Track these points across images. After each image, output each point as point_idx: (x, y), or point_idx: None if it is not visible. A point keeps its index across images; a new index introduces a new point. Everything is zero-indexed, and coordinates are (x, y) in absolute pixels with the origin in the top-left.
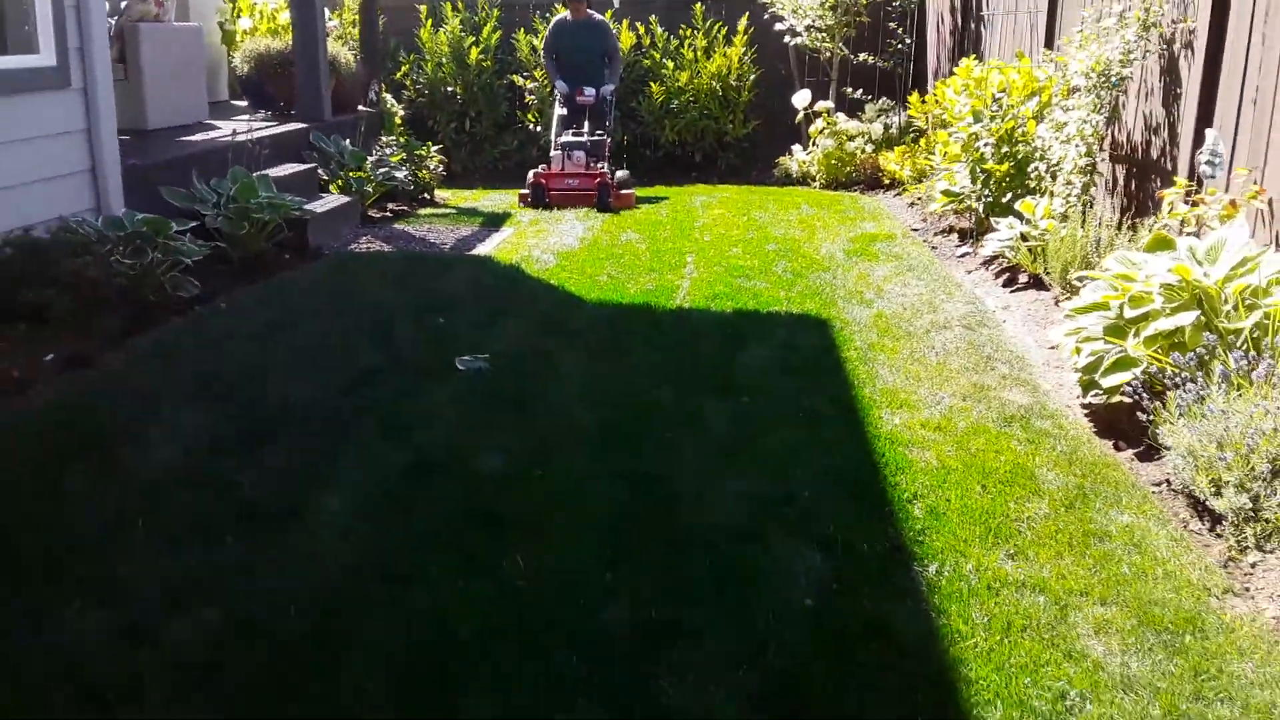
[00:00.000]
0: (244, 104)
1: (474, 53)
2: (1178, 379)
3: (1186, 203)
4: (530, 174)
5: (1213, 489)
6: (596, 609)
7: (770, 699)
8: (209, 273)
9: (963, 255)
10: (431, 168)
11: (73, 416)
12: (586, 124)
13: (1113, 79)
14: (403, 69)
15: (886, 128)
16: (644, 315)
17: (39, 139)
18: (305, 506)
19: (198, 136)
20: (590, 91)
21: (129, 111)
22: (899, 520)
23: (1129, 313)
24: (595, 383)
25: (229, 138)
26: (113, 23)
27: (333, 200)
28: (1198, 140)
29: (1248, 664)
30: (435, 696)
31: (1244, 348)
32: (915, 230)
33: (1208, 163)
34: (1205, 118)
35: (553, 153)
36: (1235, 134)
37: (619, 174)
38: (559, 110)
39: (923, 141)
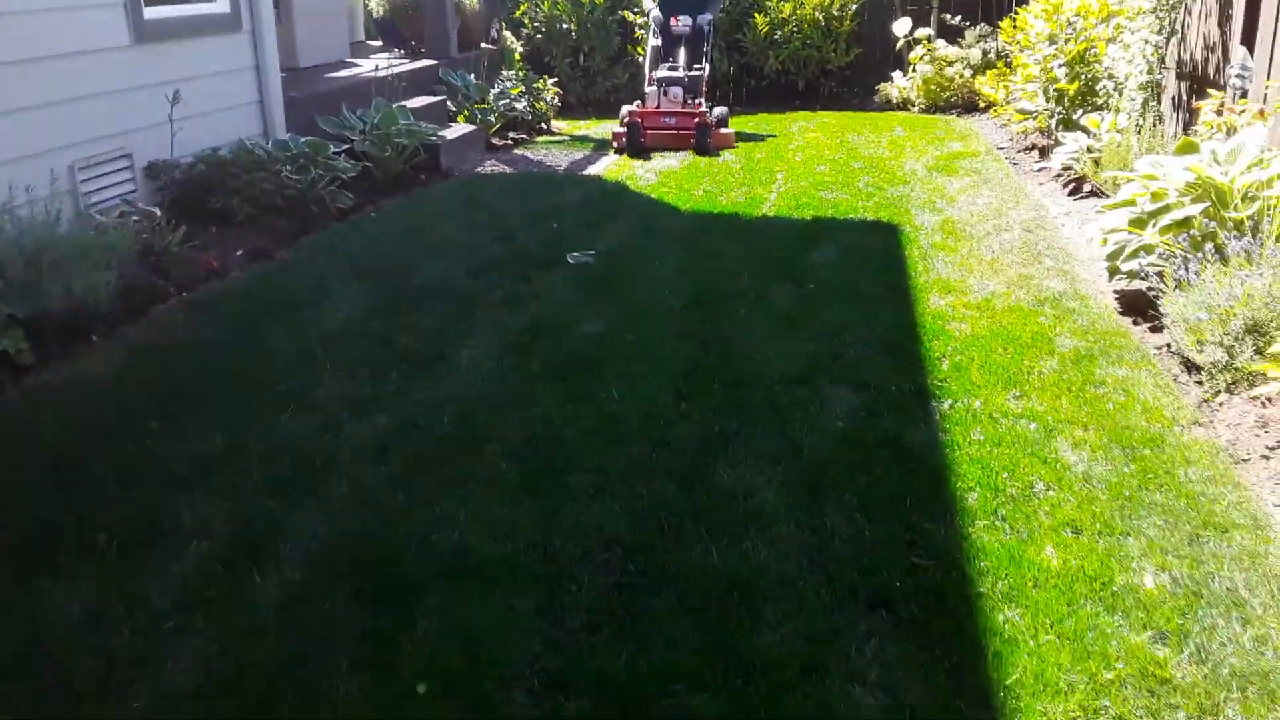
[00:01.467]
0: (378, 44)
1: None
2: (1177, 257)
3: (1218, 113)
4: (624, 111)
5: (1197, 347)
6: (671, 424)
7: (798, 483)
8: (358, 189)
9: (1040, 170)
10: (548, 99)
11: (263, 291)
12: (683, 55)
13: (1170, 1)
14: (521, 7)
15: (985, 53)
16: (731, 221)
17: (220, 74)
18: (447, 353)
19: (342, 73)
20: (686, 20)
21: (283, 51)
22: (927, 372)
23: (1149, 206)
24: (682, 273)
25: (369, 73)
26: None
27: (460, 129)
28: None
29: (1191, 469)
30: (549, 472)
31: (1241, 232)
32: (1000, 149)
33: (1238, 76)
34: (1250, 35)
35: (647, 88)
36: (1272, 51)
37: (717, 110)
38: (653, 41)
39: (1013, 64)
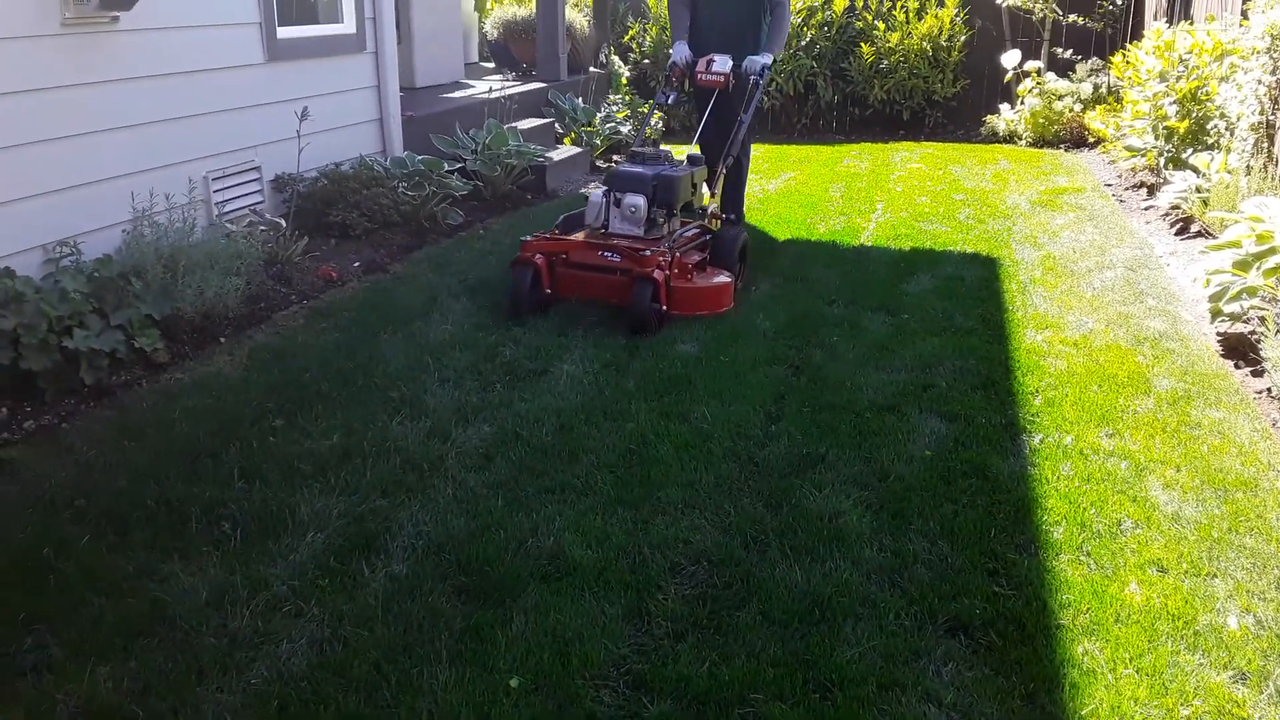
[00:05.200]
0: (491, 65)
1: None
2: None
3: None
4: (527, 240)
5: None
6: (761, 445)
7: (883, 507)
8: (467, 206)
9: (1146, 208)
10: (652, 124)
11: (377, 302)
12: (705, 124)
13: None
14: (630, 32)
15: (1096, 88)
16: (828, 249)
17: (345, 92)
18: (548, 367)
19: (456, 94)
20: (722, 64)
21: (402, 71)
22: (1018, 406)
23: (1254, 249)
24: (775, 299)
25: (482, 95)
26: None
27: (566, 150)
28: None
29: None
30: (641, 485)
31: None
32: (1108, 185)
33: None
34: None
35: (592, 193)
36: None
37: (731, 234)
38: (660, 96)
39: (1123, 99)
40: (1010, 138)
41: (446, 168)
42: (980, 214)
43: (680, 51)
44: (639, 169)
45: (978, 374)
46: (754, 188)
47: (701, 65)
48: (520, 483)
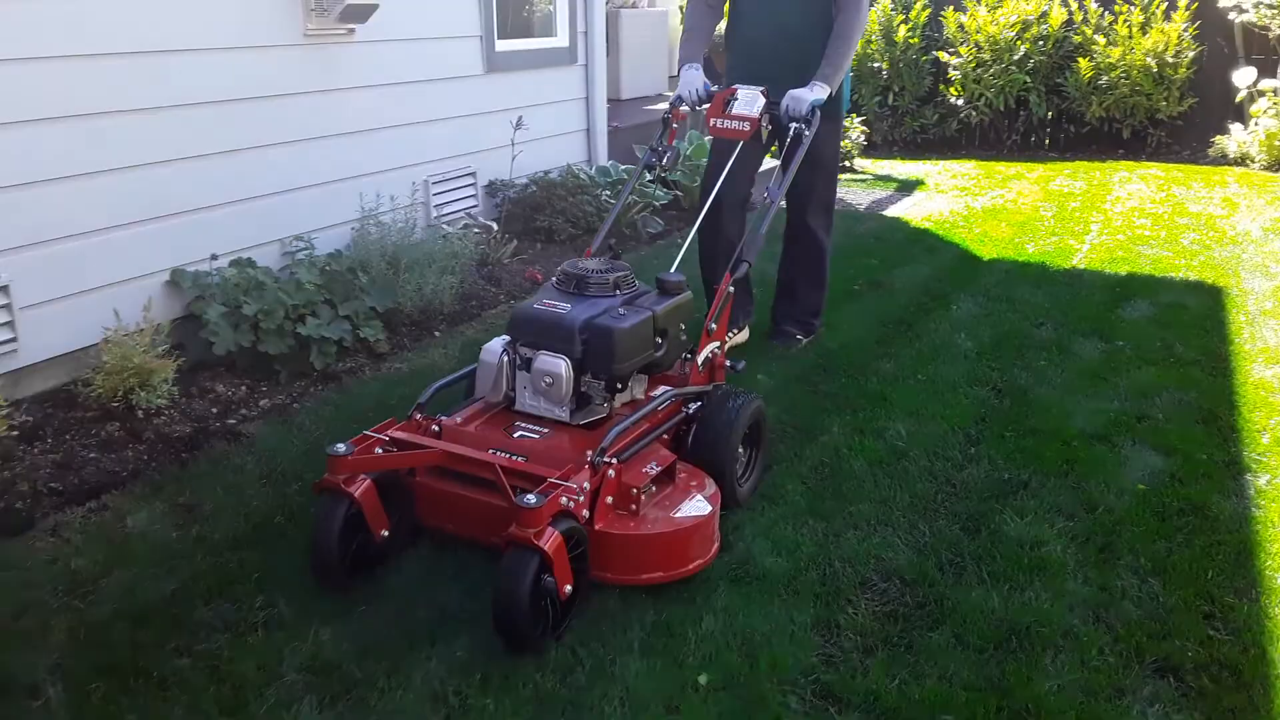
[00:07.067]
0: None
1: (902, 31)
2: None
3: None
4: (337, 452)
5: None
6: (959, 467)
7: (1089, 540)
8: (666, 215)
9: None
10: (853, 138)
11: None
12: (723, 191)
13: None
14: None
15: None
16: (1036, 270)
17: (555, 103)
18: (741, 377)
19: (659, 105)
20: (748, 103)
21: (609, 83)
22: (1242, 443)
23: None
24: (978, 319)
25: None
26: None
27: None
28: None
29: None
30: (833, 498)
31: None
32: None
33: None
34: None
35: (487, 345)
36: None
37: (726, 400)
38: (649, 154)
39: None
40: (1241, 160)
41: (649, 177)
42: (1205, 240)
43: (691, 81)
44: (562, 306)
45: (1198, 408)
46: (959, 204)
47: (716, 104)
48: None
